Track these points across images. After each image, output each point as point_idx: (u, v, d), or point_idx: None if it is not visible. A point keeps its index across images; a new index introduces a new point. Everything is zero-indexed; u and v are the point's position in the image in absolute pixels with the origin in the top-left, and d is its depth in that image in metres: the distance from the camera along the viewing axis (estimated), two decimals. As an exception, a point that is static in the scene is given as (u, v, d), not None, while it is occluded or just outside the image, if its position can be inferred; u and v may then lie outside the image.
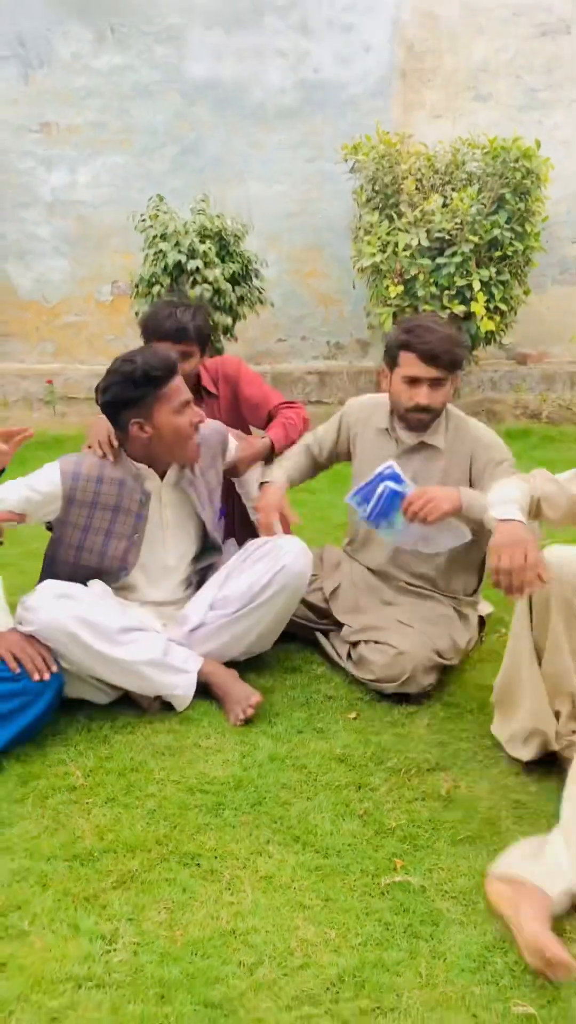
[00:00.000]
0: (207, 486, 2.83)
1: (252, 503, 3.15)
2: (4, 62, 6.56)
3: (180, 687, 2.62)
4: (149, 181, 6.63)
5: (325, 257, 6.78)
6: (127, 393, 2.55)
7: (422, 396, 2.70)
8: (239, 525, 3.26)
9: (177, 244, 5.41)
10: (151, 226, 5.63)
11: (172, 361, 2.59)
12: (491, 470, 2.74)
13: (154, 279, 5.53)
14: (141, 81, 6.59)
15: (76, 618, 2.47)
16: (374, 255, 5.44)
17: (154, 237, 5.52)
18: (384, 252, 5.46)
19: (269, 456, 3.14)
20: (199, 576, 2.91)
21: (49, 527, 2.75)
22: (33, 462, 5.25)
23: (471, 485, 2.78)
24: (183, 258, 5.39)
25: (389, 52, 6.54)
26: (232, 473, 3.07)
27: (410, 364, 2.69)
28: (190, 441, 2.64)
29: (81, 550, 2.71)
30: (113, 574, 2.75)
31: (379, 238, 5.48)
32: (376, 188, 5.77)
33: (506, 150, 5.51)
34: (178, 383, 2.59)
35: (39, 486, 2.63)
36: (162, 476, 2.74)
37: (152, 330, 3.06)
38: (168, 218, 5.55)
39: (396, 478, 2.60)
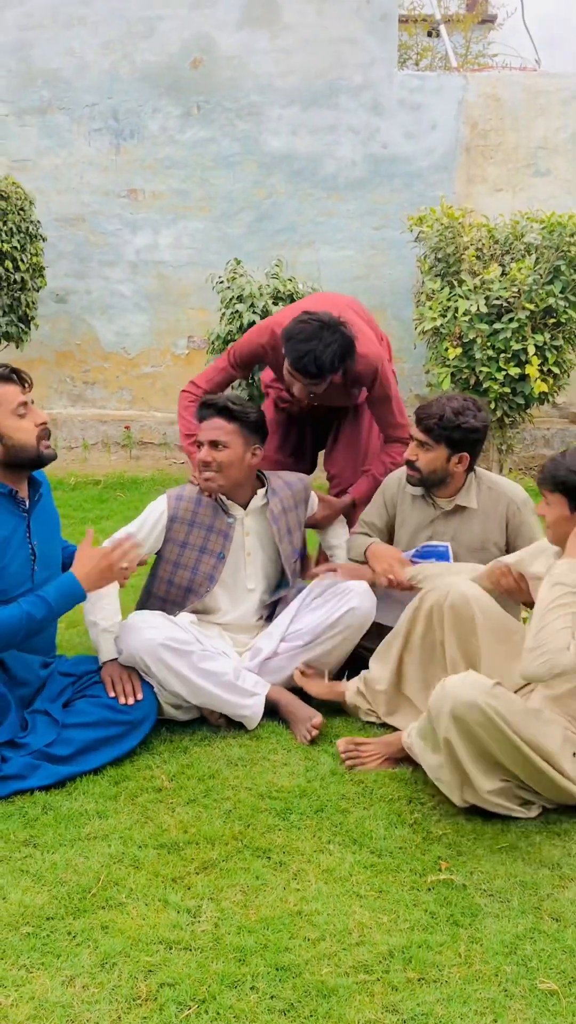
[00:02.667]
0: (287, 524, 3.18)
1: (328, 550, 3.51)
2: (98, 133, 7.12)
3: (249, 708, 2.93)
4: (226, 244, 7.10)
5: (388, 318, 7.16)
6: None
7: (410, 451, 3.07)
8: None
9: (252, 306, 5.83)
10: (228, 287, 6.06)
11: (201, 411, 3.03)
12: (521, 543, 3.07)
13: (229, 336, 5.95)
14: (222, 153, 7.10)
15: (160, 643, 2.81)
16: (435, 319, 5.77)
17: (231, 299, 5.95)
18: (444, 316, 5.79)
19: (349, 511, 3.50)
20: (270, 609, 3.24)
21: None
22: (112, 502, 5.70)
23: (507, 541, 3.11)
24: (257, 318, 5.80)
25: (454, 130, 6.97)
26: (315, 526, 3.43)
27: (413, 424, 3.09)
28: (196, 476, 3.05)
29: (178, 566, 3.09)
30: (202, 589, 3.09)
31: (440, 303, 5.82)
32: (439, 257, 6.12)
33: (562, 225, 5.83)
34: (203, 426, 3.02)
35: (151, 511, 3.09)
36: (244, 507, 3.12)
37: (287, 354, 3.09)
38: (244, 281, 5.98)
39: (447, 557, 3.03)
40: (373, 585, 3.10)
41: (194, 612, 3.16)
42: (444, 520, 3.16)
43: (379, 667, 2.96)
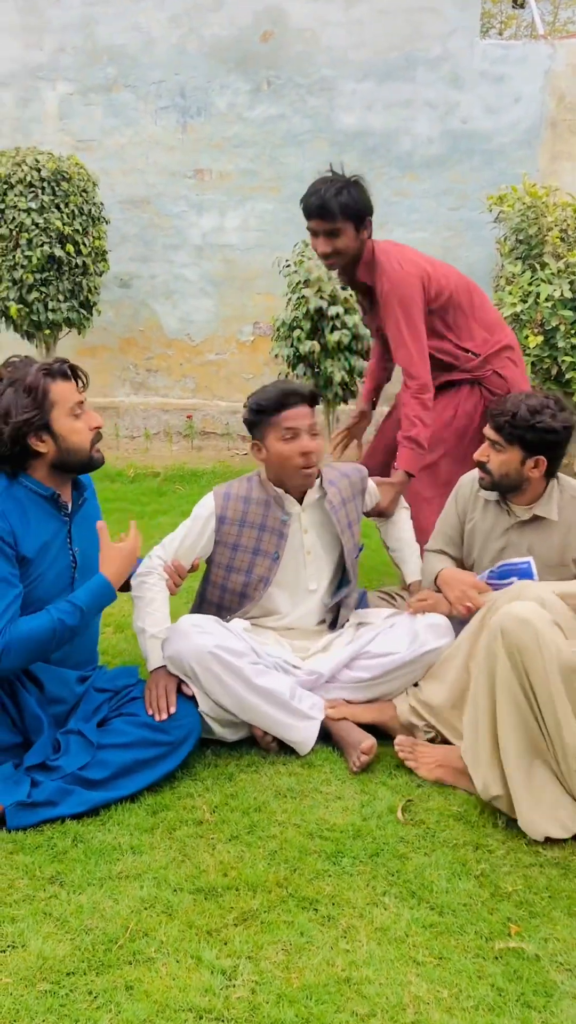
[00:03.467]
0: (347, 516, 2.96)
1: (394, 544, 3.27)
2: (164, 112, 6.91)
3: (302, 732, 2.70)
4: (295, 226, 6.82)
5: (464, 303, 6.81)
6: (249, 418, 2.84)
7: (481, 451, 2.80)
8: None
9: (320, 290, 5.56)
10: (295, 271, 5.80)
11: (284, 393, 2.78)
12: None
13: (295, 323, 5.70)
14: (292, 130, 6.82)
15: (211, 651, 2.59)
16: (515, 305, 5.43)
17: (298, 283, 5.69)
18: (525, 302, 5.45)
19: (407, 482, 3.29)
20: (333, 612, 2.99)
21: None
22: (170, 496, 5.49)
23: None
24: (324, 304, 5.54)
25: (539, 102, 6.57)
26: (380, 515, 3.20)
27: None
28: (298, 470, 2.80)
29: (231, 570, 2.89)
30: (256, 594, 2.89)
31: (521, 288, 5.48)
32: (520, 239, 5.78)
33: None
34: (289, 414, 2.76)
35: (198, 513, 2.89)
36: (300, 501, 2.89)
37: (303, 209, 3.23)
38: (312, 264, 5.71)
39: (530, 575, 2.70)
40: (450, 615, 2.83)
41: (251, 617, 2.95)
42: (519, 530, 2.86)
43: (436, 685, 2.71)
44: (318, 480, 2.92)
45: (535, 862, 2.27)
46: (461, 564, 3.07)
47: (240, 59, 6.78)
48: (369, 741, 2.65)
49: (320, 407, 3.21)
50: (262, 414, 2.79)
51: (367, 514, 3.15)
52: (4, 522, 2.39)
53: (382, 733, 2.77)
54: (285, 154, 6.86)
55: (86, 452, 2.49)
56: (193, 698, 2.64)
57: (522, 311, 5.45)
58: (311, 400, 2.82)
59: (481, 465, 2.82)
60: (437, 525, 3.13)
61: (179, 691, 2.64)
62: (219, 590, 2.94)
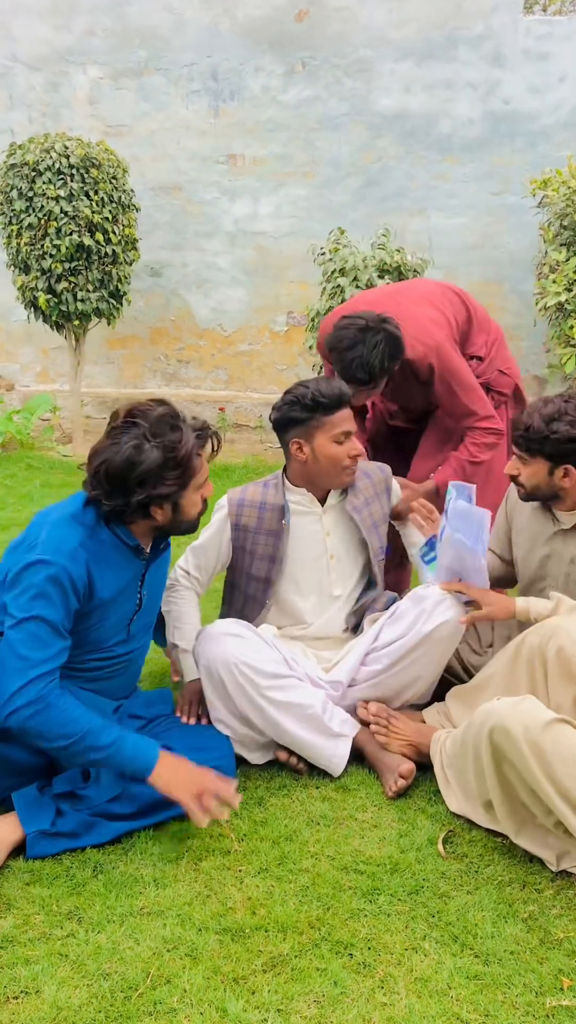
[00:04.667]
0: (371, 517, 2.83)
1: (415, 550, 3.09)
2: (196, 95, 6.74)
3: (332, 752, 2.55)
4: (330, 212, 6.64)
5: (505, 291, 6.59)
6: (294, 414, 2.65)
7: (511, 465, 2.63)
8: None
9: (355, 279, 5.37)
10: (330, 259, 5.62)
11: (342, 394, 2.65)
12: None
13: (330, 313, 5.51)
14: (328, 113, 6.62)
15: (243, 660, 2.47)
16: (559, 294, 5.21)
17: (333, 272, 5.51)
18: (570, 291, 5.22)
19: (432, 496, 3.12)
20: (358, 618, 2.85)
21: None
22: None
23: None
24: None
25: (586, 81, 6.30)
26: (397, 517, 3.04)
27: None
28: (344, 470, 2.71)
29: (250, 578, 2.79)
30: (268, 599, 2.79)
31: (566, 276, 5.25)
32: (565, 224, 5.54)
33: None
34: (343, 415, 2.65)
35: (215, 520, 2.80)
36: (322, 502, 2.78)
37: (334, 365, 2.92)
38: (348, 252, 5.52)
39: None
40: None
41: (278, 625, 2.83)
42: (564, 538, 2.67)
43: (464, 709, 2.55)
44: None
45: (588, 903, 2.10)
46: (511, 563, 2.91)
47: (274, 40, 6.58)
48: (407, 765, 2.50)
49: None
50: (315, 412, 2.63)
51: (390, 516, 3.01)
52: (81, 570, 2.18)
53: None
54: (320, 138, 6.66)
55: (193, 523, 2.32)
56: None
57: (567, 300, 5.23)
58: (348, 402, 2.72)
59: (513, 479, 2.64)
60: (493, 526, 2.97)
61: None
62: (242, 596, 2.84)
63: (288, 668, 2.57)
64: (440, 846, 2.29)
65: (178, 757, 2.25)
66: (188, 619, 2.75)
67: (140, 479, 2.13)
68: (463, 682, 2.84)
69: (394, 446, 3.47)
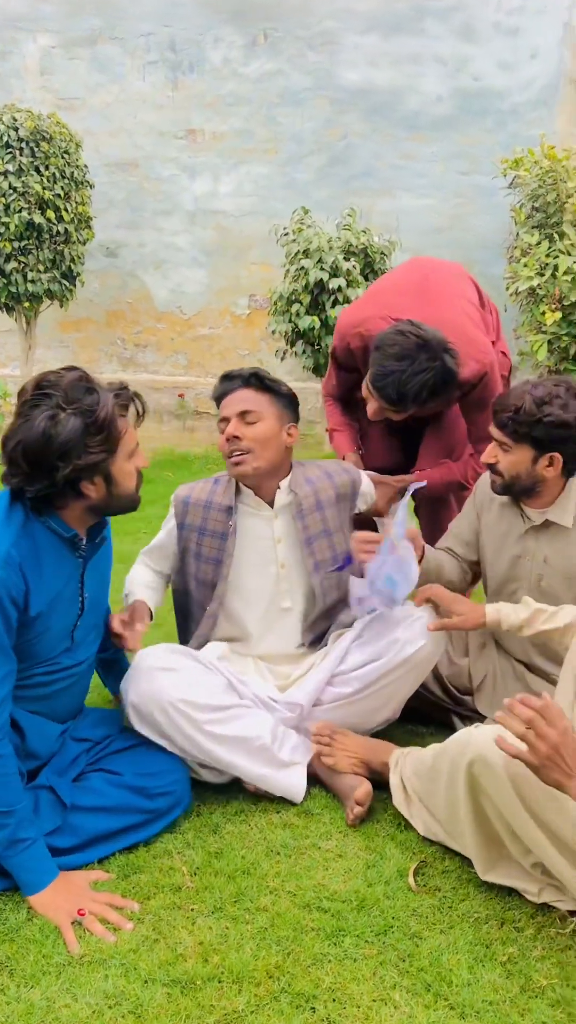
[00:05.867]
0: (323, 522, 2.57)
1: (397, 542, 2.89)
2: (153, 67, 6.46)
3: (288, 782, 2.36)
4: (293, 191, 6.41)
5: (475, 275, 6.36)
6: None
7: (488, 452, 2.43)
8: None
9: (320, 261, 5.15)
10: (294, 240, 5.40)
11: (223, 381, 2.52)
12: None
13: (294, 296, 5.30)
14: (291, 88, 6.37)
15: (172, 693, 2.25)
16: (531, 278, 5.04)
17: (296, 253, 5.29)
18: (542, 275, 5.05)
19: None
20: (318, 634, 2.64)
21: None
22: (158, 483, 5.07)
23: None
24: (325, 276, 5.14)
25: (558, 58, 6.12)
26: (376, 514, 2.84)
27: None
28: (228, 459, 2.50)
29: (200, 583, 2.57)
30: (214, 607, 2.56)
31: (538, 260, 5.08)
32: (537, 206, 5.38)
33: None
34: (225, 402, 2.50)
35: (166, 520, 2.60)
36: (271, 505, 2.56)
37: (371, 364, 2.63)
38: (312, 233, 5.31)
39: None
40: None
41: (225, 639, 2.61)
42: (535, 537, 2.49)
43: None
44: (287, 480, 2.55)
45: (571, 944, 1.93)
46: (474, 565, 2.72)
47: (235, 10, 6.32)
48: (363, 788, 2.30)
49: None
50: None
51: (361, 514, 2.77)
52: (18, 579, 1.95)
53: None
54: (283, 113, 6.42)
55: (132, 497, 2.11)
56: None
57: (539, 285, 5.06)
58: (250, 381, 2.49)
59: (491, 467, 2.45)
60: (453, 522, 2.78)
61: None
62: (192, 604, 2.62)
63: (234, 693, 2.37)
64: (411, 879, 2.10)
65: (70, 878, 2.04)
66: (138, 581, 2.58)
67: (61, 452, 1.90)
68: (432, 694, 2.66)
69: (391, 440, 3.20)
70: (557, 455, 2.35)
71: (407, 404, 2.56)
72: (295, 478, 2.56)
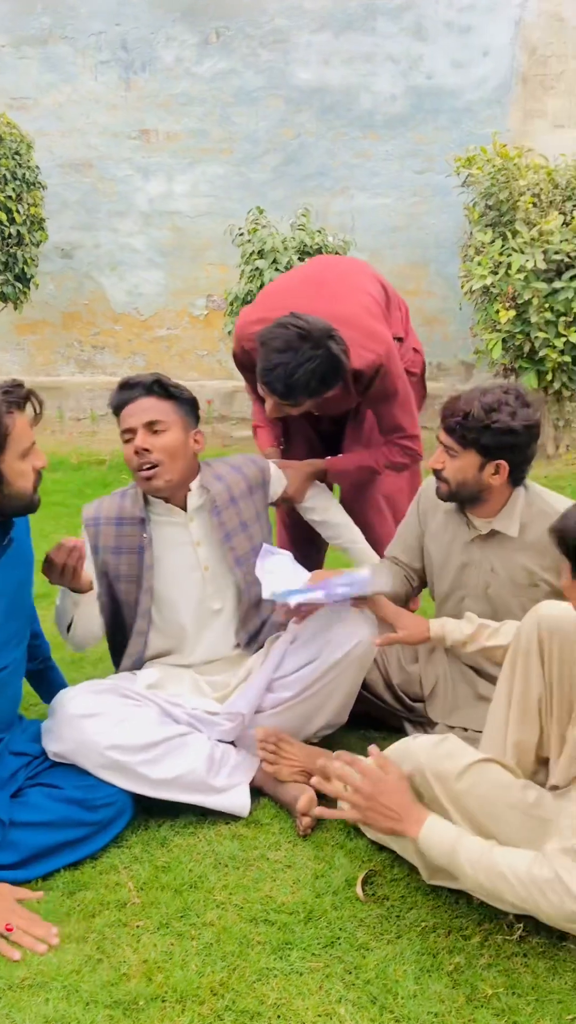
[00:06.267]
0: (239, 516, 2.53)
1: (330, 532, 2.88)
2: (105, 66, 6.39)
3: (231, 803, 2.33)
4: (249, 191, 6.38)
5: (431, 274, 6.42)
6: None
7: (436, 458, 2.40)
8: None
9: (275, 261, 5.13)
10: (249, 240, 5.37)
11: (120, 389, 2.40)
12: None
13: (249, 297, 5.27)
14: (244, 87, 6.33)
15: (100, 740, 2.21)
16: (485, 276, 5.04)
17: (251, 254, 5.26)
18: (496, 273, 5.06)
19: (322, 477, 2.84)
20: (251, 634, 2.60)
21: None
22: (117, 486, 5.04)
23: None
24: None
25: (510, 56, 6.14)
26: (291, 501, 2.79)
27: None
28: (136, 473, 2.39)
29: (123, 605, 2.48)
30: (144, 624, 2.49)
31: (491, 258, 5.09)
32: (490, 204, 5.38)
33: None
34: (127, 412, 2.37)
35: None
36: (184, 508, 2.48)
37: (258, 361, 2.56)
38: (267, 233, 5.28)
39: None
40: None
41: (158, 653, 2.55)
42: (481, 546, 2.47)
43: None
44: (197, 480, 2.48)
45: (518, 951, 1.92)
46: (419, 571, 2.70)
47: (186, 8, 6.27)
48: (305, 797, 2.27)
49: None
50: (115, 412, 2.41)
51: (275, 503, 2.72)
52: None
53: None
54: (237, 113, 6.37)
55: (28, 498, 2.05)
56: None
57: (492, 283, 5.06)
58: (152, 389, 2.38)
59: (437, 473, 2.43)
60: (398, 530, 2.75)
61: None
62: (122, 624, 2.52)
63: (168, 720, 2.33)
64: (359, 888, 2.09)
65: None
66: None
67: None
68: (383, 701, 2.64)
69: (314, 442, 3.16)
70: (503, 463, 2.33)
71: (297, 395, 2.48)
72: (204, 477, 2.49)
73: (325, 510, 2.84)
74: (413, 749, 1.98)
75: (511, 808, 1.87)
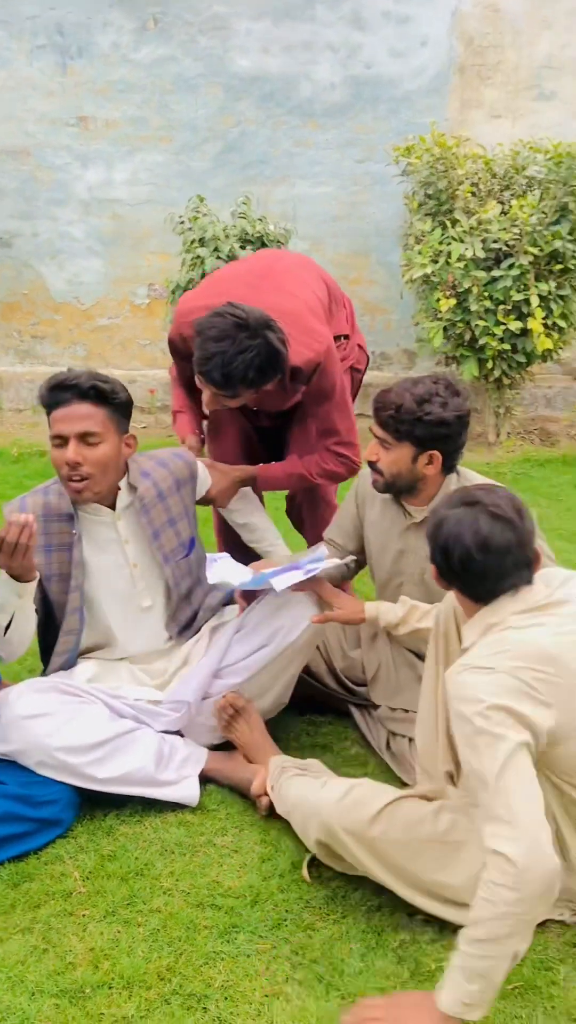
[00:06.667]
0: (167, 512, 2.50)
1: (249, 536, 2.88)
2: (41, 51, 6.27)
3: (180, 795, 2.33)
4: (189, 179, 6.33)
5: (372, 263, 6.43)
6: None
7: (370, 450, 2.41)
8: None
9: (216, 250, 5.11)
10: (189, 228, 5.33)
11: (51, 389, 2.30)
12: None
13: (191, 285, 5.24)
14: (183, 74, 6.27)
15: (49, 741, 2.20)
16: (425, 265, 5.07)
17: (192, 242, 5.22)
18: (436, 262, 5.09)
19: (251, 484, 2.82)
20: (183, 624, 2.58)
21: None
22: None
23: None
24: (221, 264, 5.09)
25: (447, 46, 6.16)
26: (212, 504, 2.78)
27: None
28: (66, 482, 2.32)
29: (54, 606, 2.43)
30: (78, 624, 2.44)
31: (431, 247, 5.12)
32: (429, 193, 5.42)
33: (571, 156, 5.12)
34: (57, 415, 2.28)
35: None
36: (112, 507, 2.44)
37: (194, 352, 2.49)
38: (207, 221, 5.25)
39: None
40: None
41: (90, 650, 2.53)
42: (416, 532, 2.49)
43: None
44: (125, 479, 2.43)
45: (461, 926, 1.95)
46: (358, 553, 2.72)
47: (124, -7, 6.19)
48: (258, 779, 2.29)
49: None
50: (47, 411, 2.31)
51: (199, 502, 2.69)
52: None
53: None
54: (176, 100, 6.31)
55: None
56: None
57: (433, 272, 5.10)
58: (89, 394, 2.28)
59: (372, 465, 2.44)
60: (336, 515, 2.77)
61: None
62: (52, 622, 2.47)
63: (114, 716, 2.31)
64: (305, 871, 2.11)
65: None
66: None
67: None
68: (326, 687, 2.67)
69: (246, 442, 3.08)
70: (437, 453, 2.35)
71: (236, 386, 2.43)
72: (132, 475, 2.44)
73: (248, 514, 2.84)
74: (319, 806, 2.01)
75: (427, 843, 1.90)
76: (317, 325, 2.68)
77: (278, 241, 5.40)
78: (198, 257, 5.16)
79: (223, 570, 2.45)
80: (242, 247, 5.18)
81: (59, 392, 2.28)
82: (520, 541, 1.79)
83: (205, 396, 2.54)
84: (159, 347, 6.65)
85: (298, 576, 2.36)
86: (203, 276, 5.13)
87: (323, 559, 2.44)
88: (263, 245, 5.33)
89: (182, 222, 5.44)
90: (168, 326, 6.03)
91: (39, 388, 2.36)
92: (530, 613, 1.79)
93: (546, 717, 1.67)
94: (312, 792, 2.08)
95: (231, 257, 5.13)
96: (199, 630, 2.58)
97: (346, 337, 3.00)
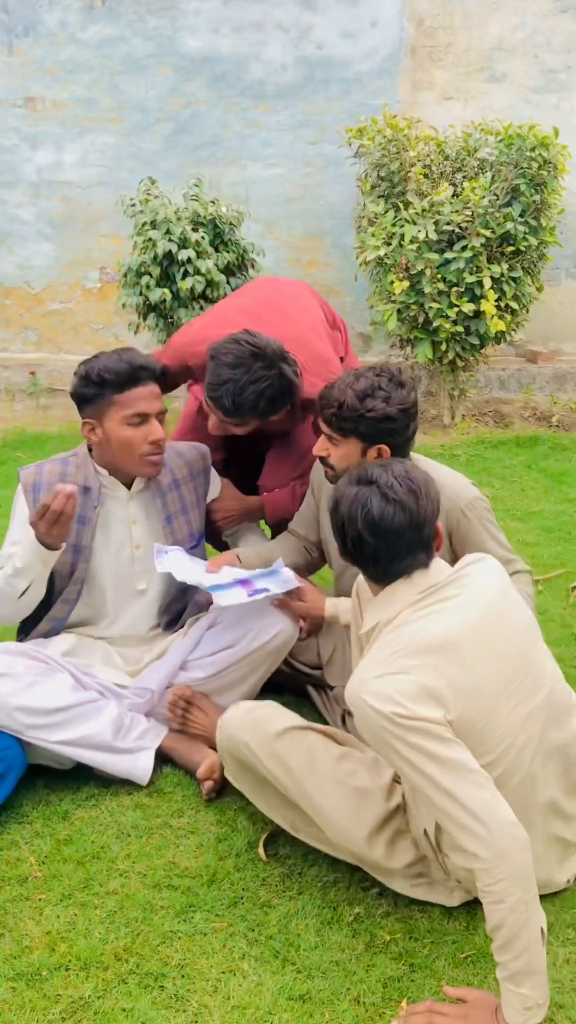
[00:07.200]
0: (180, 500, 2.55)
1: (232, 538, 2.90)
2: (-13, 31, 6.17)
3: (132, 766, 2.34)
4: (140, 161, 6.27)
5: (326, 246, 6.43)
6: (84, 391, 2.37)
7: (319, 446, 2.37)
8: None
9: (168, 232, 5.06)
10: (141, 211, 5.28)
11: (133, 368, 2.33)
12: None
13: (143, 268, 5.19)
14: (133, 54, 6.20)
15: (9, 700, 2.21)
16: (378, 247, 5.08)
17: (143, 224, 5.17)
18: (389, 244, 5.10)
19: (257, 517, 2.87)
20: (172, 616, 2.61)
21: None
22: (10, 465, 4.90)
23: (453, 555, 2.39)
24: (174, 247, 5.05)
25: (398, 27, 6.16)
26: (211, 519, 2.77)
27: None
28: (142, 459, 2.39)
29: (54, 575, 2.43)
30: (72, 595, 2.47)
31: (384, 229, 5.13)
32: (382, 175, 5.41)
33: (522, 138, 5.14)
34: (137, 394, 2.34)
35: (18, 509, 2.44)
36: (128, 486, 2.48)
37: (207, 374, 2.48)
38: (159, 203, 5.20)
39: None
40: None
41: (75, 624, 2.54)
42: None
43: None
44: None
45: (416, 902, 1.98)
46: (318, 546, 2.72)
47: (70, -29, 6.09)
48: (205, 764, 2.30)
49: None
50: (103, 390, 2.32)
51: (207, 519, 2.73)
52: None
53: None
54: (126, 81, 6.24)
55: None
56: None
57: (386, 254, 5.11)
58: (160, 378, 2.41)
59: (322, 460, 2.40)
60: (300, 506, 2.77)
61: None
62: (46, 597, 2.48)
63: (79, 688, 2.32)
64: (261, 850, 2.12)
65: None
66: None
67: None
68: (286, 674, 2.68)
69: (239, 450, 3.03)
70: (384, 447, 2.30)
71: (244, 414, 2.44)
72: None
73: (243, 536, 2.87)
74: (228, 718, 2.08)
75: (329, 777, 1.94)
76: (327, 353, 2.70)
77: (231, 223, 5.37)
78: (150, 240, 5.11)
79: (173, 562, 2.43)
80: (194, 229, 5.14)
81: (137, 370, 2.34)
82: (414, 523, 1.76)
83: (212, 421, 2.53)
84: (112, 331, 6.60)
85: (243, 598, 2.34)
86: (156, 259, 5.09)
87: (278, 580, 2.43)
88: (216, 228, 5.30)
89: (133, 204, 5.38)
90: (121, 310, 5.98)
91: (96, 366, 2.34)
92: (425, 601, 1.78)
93: (450, 709, 1.68)
94: (223, 716, 2.13)
95: (183, 239, 5.08)
96: (183, 624, 2.60)
97: (341, 359, 2.97)
